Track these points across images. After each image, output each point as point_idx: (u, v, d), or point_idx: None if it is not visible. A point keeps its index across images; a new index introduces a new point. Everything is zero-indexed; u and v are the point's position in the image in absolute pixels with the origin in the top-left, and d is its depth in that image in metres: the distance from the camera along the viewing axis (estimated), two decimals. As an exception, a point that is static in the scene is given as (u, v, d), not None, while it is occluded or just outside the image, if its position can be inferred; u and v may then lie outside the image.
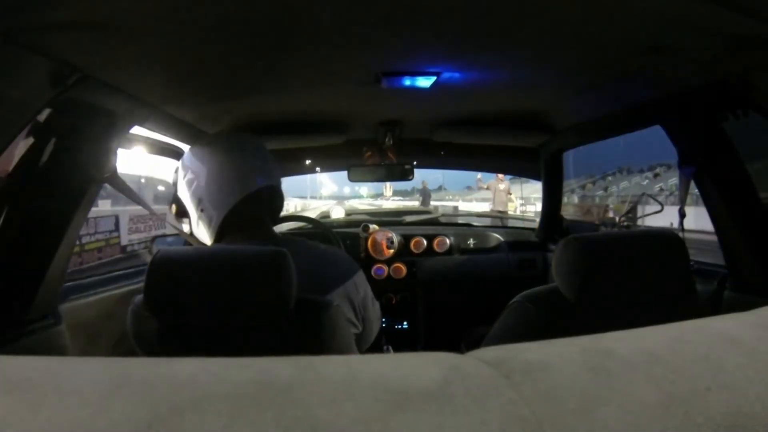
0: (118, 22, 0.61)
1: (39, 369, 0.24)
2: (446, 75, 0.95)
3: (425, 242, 1.88)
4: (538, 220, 2.06)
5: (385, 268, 1.82)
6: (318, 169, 2.35)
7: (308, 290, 0.67)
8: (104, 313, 1.02)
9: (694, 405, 0.22)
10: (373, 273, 1.80)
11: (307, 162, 2.11)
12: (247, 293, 0.64)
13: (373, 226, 1.85)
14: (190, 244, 0.87)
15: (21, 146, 0.83)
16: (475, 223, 2.46)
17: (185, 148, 1.42)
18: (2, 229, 0.76)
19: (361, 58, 0.86)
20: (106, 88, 0.81)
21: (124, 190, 0.92)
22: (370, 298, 0.86)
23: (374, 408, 0.20)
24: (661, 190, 16.73)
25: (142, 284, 0.63)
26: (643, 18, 0.64)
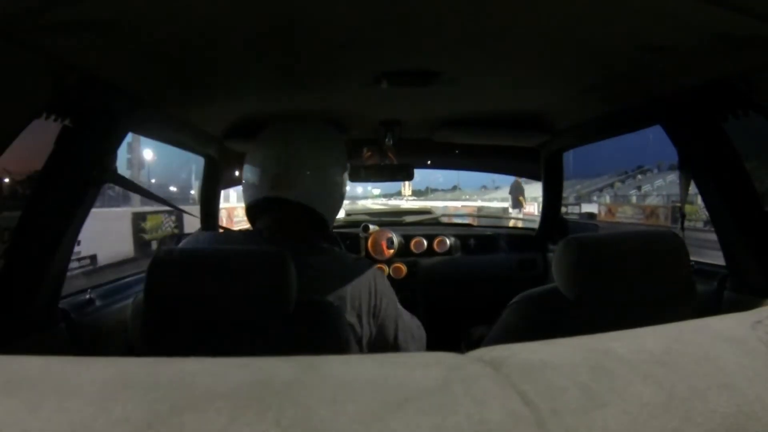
0: (118, 22, 0.61)
1: (39, 369, 0.24)
2: (446, 75, 0.94)
3: (425, 242, 1.88)
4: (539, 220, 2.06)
5: (385, 268, 1.82)
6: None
7: (319, 293, 0.68)
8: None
9: (694, 405, 0.22)
10: None
11: None
12: (247, 294, 0.64)
13: (373, 227, 1.85)
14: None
15: (21, 147, 0.83)
16: (474, 224, 2.46)
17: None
18: (3, 229, 0.76)
19: (361, 58, 0.86)
20: (106, 88, 0.81)
21: (128, 185, 0.92)
22: (392, 312, 0.84)
23: (374, 408, 0.20)
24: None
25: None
26: (643, 18, 0.64)
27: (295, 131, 0.91)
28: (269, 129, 0.92)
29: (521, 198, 10.90)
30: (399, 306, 0.88)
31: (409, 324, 0.90)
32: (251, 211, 0.89)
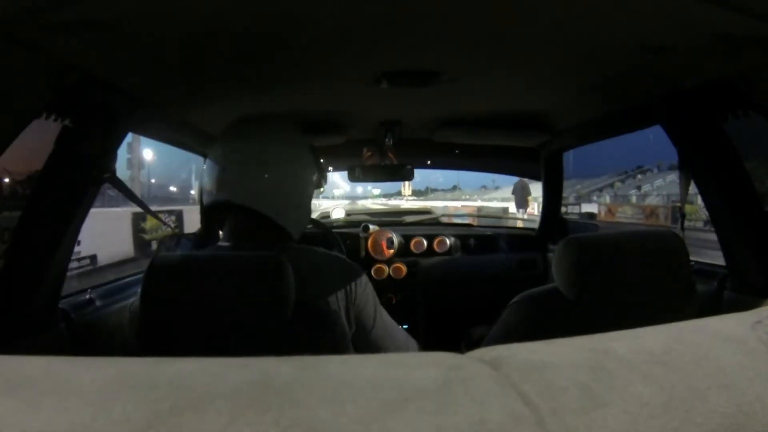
0: (118, 22, 0.61)
1: (39, 369, 0.24)
2: (446, 75, 0.95)
3: (425, 242, 1.88)
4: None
5: (385, 268, 1.82)
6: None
7: (304, 294, 0.67)
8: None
9: (694, 405, 0.22)
10: (373, 273, 1.80)
11: None
12: (245, 299, 0.64)
13: (373, 227, 1.85)
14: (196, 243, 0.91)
15: (21, 147, 0.83)
16: (474, 224, 2.47)
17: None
18: (3, 229, 0.76)
19: (362, 58, 0.86)
20: (106, 88, 0.81)
21: (123, 190, 0.92)
22: (369, 303, 0.84)
23: (374, 408, 0.20)
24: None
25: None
26: (643, 18, 0.64)
27: (243, 132, 0.84)
28: (224, 129, 0.88)
29: (529, 198, 10.78)
30: (382, 309, 0.88)
31: (392, 327, 0.90)
32: (211, 215, 0.85)
